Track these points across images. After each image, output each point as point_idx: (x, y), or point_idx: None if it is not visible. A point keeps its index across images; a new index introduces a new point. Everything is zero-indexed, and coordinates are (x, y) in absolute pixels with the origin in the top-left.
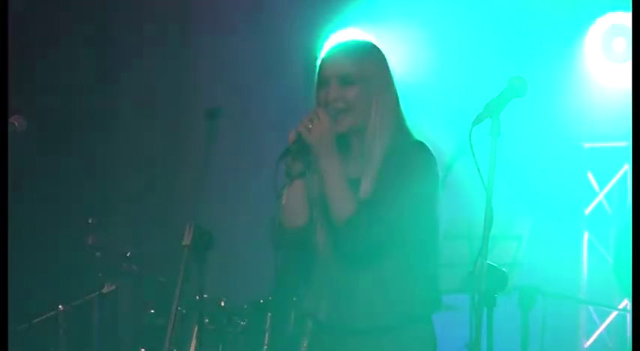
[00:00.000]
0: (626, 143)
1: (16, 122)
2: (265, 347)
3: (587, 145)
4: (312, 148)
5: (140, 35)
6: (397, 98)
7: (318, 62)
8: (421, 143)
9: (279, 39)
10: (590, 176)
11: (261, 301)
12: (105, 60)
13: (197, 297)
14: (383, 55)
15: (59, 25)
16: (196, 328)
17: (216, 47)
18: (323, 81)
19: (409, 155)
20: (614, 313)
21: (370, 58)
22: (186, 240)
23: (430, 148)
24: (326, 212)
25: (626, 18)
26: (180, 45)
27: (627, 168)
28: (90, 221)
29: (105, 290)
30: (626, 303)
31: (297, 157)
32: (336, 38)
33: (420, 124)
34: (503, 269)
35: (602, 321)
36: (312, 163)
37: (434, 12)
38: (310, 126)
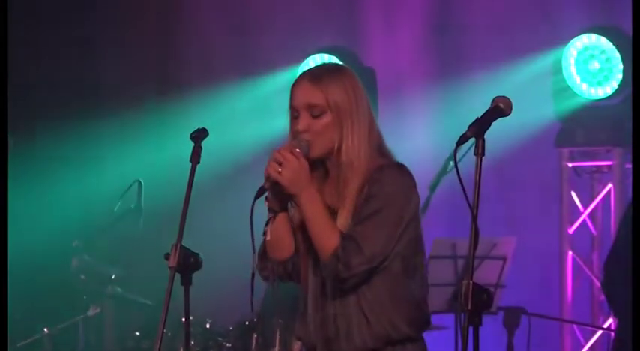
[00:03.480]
0: (610, 162)
1: None
2: None
3: (570, 165)
4: (286, 190)
5: (125, 58)
6: (372, 121)
7: (290, 91)
8: (399, 165)
9: (264, 63)
10: (574, 196)
11: (247, 322)
12: (91, 84)
13: (182, 319)
14: (353, 77)
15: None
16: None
17: (200, 72)
18: (293, 112)
19: (385, 180)
20: (599, 333)
21: (339, 84)
22: (172, 262)
23: (409, 170)
24: (308, 243)
25: (597, 39)
26: (166, 68)
27: (611, 187)
28: (74, 244)
29: (90, 313)
30: (611, 322)
31: (273, 195)
32: (311, 61)
33: (404, 146)
34: (489, 289)
35: (587, 340)
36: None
37: (419, 31)
38: (280, 169)
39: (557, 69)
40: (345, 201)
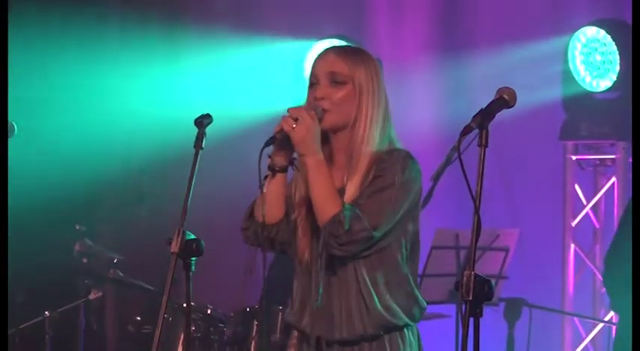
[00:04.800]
0: (614, 156)
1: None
2: None
3: (574, 158)
4: (296, 147)
5: (128, 38)
6: (386, 106)
7: (311, 63)
8: (407, 152)
9: (269, 46)
10: (577, 189)
11: (248, 309)
12: (95, 70)
13: (184, 304)
14: (375, 63)
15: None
16: (182, 336)
17: (204, 55)
18: (313, 80)
19: (392, 163)
20: (600, 326)
21: (362, 61)
22: (174, 247)
23: (415, 158)
24: (311, 219)
25: (597, 32)
26: (169, 52)
27: (614, 180)
28: (77, 228)
29: (91, 297)
30: (612, 315)
31: (281, 147)
32: (320, 46)
33: (408, 136)
34: (490, 280)
35: (588, 333)
36: (295, 161)
37: (425, 21)
38: (294, 125)
39: (565, 60)
40: (353, 177)
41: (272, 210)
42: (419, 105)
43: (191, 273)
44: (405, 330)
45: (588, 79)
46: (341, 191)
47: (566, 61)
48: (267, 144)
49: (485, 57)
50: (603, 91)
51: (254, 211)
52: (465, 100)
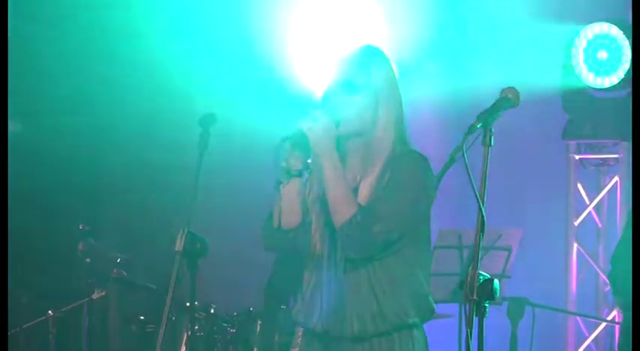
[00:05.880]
0: (617, 155)
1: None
2: None
3: (577, 157)
4: (312, 147)
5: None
6: (401, 108)
7: (327, 67)
8: (420, 154)
9: (273, 46)
10: (580, 188)
11: (251, 309)
12: (101, 69)
13: (187, 304)
14: (389, 63)
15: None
16: (186, 335)
17: (210, 53)
18: (331, 85)
19: (408, 166)
20: (603, 325)
21: (377, 66)
22: (179, 246)
23: (429, 161)
24: (325, 214)
25: (608, 28)
26: (173, 53)
27: (617, 180)
28: (81, 227)
29: (95, 296)
30: (615, 314)
31: (296, 147)
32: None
33: (411, 133)
34: (494, 279)
35: (590, 332)
36: (310, 164)
37: (426, 20)
38: (311, 125)
39: (567, 56)
40: (367, 177)
41: (288, 215)
42: (423, 103)
43: (195, 272)
44: (415, 329)
45: (592, 76)
46: (353, 191)
47: (569, 57)
48: (283, 140)
49: (492, 54)
50: (607, 89)
51: (274, 217)
52: (470, 98)
